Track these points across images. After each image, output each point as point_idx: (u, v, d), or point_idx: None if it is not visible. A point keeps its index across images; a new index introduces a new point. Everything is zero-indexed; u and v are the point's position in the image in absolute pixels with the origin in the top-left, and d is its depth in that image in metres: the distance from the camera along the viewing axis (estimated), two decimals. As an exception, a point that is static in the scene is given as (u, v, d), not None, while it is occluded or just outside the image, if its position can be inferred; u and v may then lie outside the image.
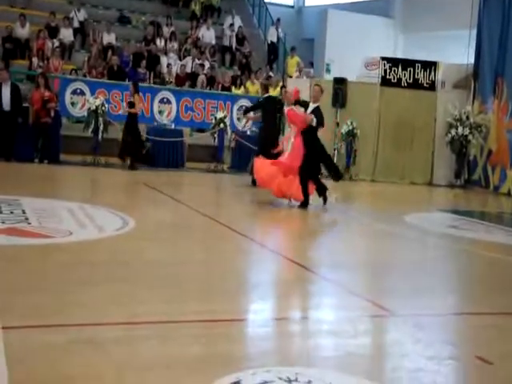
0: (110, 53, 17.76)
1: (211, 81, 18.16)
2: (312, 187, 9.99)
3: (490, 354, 4.04)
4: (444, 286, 6.12)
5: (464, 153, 15.53)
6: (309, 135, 9.83)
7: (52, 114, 13.46)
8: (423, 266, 6.94)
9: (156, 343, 3.88)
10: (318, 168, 10.17)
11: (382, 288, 5.79)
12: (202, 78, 17.96)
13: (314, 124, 9.69)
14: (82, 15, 18.97)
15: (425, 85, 15.78)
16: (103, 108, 13.65)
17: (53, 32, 17.91)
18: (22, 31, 17.53)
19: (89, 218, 7.64)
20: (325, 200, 10.10)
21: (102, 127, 13.61)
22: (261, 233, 8.38)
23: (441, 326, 4.84)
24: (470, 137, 15.29)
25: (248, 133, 15.70)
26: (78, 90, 14.56)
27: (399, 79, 15.79)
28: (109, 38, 18.45)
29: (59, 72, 16.28)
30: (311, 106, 9.91)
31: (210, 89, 17.70)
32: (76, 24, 18.73)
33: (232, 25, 20.95)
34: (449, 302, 5.47)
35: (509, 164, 14.86)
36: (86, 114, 13.93)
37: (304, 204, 9.84)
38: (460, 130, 15.22)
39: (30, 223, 7.00)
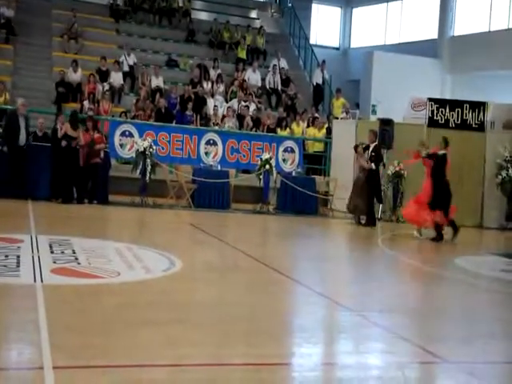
0: (157, 95, 18.12)
1: (257, 122, 18.31)
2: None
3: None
4: (498, 333, 5.90)
5: (515, 194, 15.16)
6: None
7: (101, 155, 13.74)
8: (475, 311, 6.74)
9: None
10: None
11: (432, 334, 5.62)
12: (247, 120, 18.13)
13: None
14: (131, 59, 19.49)
15: (473, 125, 15.55)
16: (151, 150, 13.86)
17: (103, 76, 18.44)
18: (75, 76, 18.08)
19: (136, 258, 7.69)
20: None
21: (149, 168, 13.81)
22: (308, 275, 8.29)
23: (496, 375, 4.66)
24: (522, 178, 14.96)
25: (293, 174, 15.70)
26: (127, 132, 14.82)
27: (447, 120, 15.61)
28: (157, 82, 18.86)
29: (109, 114, 16.68)
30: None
31: (256, 130, 17.84)
32: (126, 68, 19.24)
33: (276, 66, 21.22)
34: (504, 350, 5.27)
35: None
36: (134, 155, 14.17)
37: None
38: (511, 171, 14.91)
39: (79, 263, 7.08)
